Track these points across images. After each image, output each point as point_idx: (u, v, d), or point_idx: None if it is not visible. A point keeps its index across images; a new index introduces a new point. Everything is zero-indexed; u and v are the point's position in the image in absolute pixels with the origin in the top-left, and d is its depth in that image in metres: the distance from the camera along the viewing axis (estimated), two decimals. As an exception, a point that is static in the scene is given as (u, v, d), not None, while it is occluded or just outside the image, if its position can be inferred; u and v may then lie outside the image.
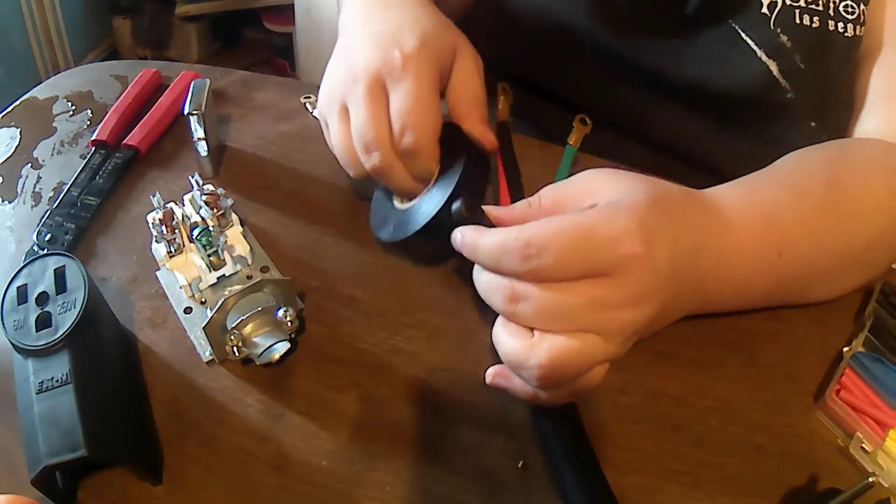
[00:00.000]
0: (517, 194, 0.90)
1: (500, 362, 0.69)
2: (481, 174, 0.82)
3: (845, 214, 0.80)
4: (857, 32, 0.92)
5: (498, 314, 0.69)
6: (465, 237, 0.69)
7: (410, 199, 0.84)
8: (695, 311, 0.77)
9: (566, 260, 0.63)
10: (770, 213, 0.77)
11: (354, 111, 0.81)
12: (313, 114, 1.07)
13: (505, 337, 0.67)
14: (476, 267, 0.70)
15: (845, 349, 0.81)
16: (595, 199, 0.69)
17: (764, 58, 0.95)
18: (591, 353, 0.64)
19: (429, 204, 0.80)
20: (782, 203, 0.78)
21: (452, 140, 0.82)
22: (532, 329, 0.65)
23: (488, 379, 0.71)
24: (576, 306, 0.63)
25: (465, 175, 0.79)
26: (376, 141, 0.79)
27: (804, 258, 0.79)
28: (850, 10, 0.91)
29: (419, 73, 0.79)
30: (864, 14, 0.91)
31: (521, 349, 0.65)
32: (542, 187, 0.74)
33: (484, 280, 0.68)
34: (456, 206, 0.72)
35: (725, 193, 0.78)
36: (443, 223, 0.76)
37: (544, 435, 0.73)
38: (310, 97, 1.08)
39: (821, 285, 0.83)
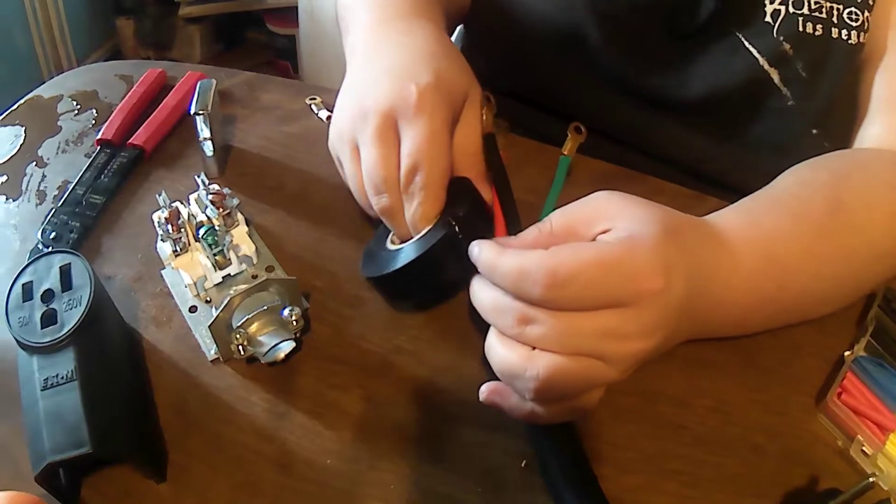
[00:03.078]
0: (508, 208, 0.89)
1: (493, 378, 0.69)
2: (480, 226, 0.77)
3: (849, 240, 0.79)
4: (861, 39, 0.91)
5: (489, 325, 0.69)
6: (483, 253, 0.67)
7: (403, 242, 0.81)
8: (688, 339, 0.76)
9: (589, 293, 0.62)
10: (772, 248, 0.76)
11: (365, 151, 0.78)
12: (318, 115, 1.07)
13: (500, 348, 0.66)
14: (477, 281, 0.69)
15: (847, 353, 0.81)
16: (608, 224, 0.68)
17: (766, 66, 0.95)
18: (592, 375, 0.64)
19: (420, 243, 0.78)
20: (784, 234, 0.77)
21: (454, 190, 0.79)
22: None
23: (482, 396, 0.70)
24: (587, 334, 0.62)
25: (464, 219, 0.75)
26: (385, 183, 0.77)
27: (804, 289, 0.78)
28: (854, 16, 0.90)
29: (433, 111, 0.77)
30: (867, 21, 0.91)
31: (519, 360, 0.64)
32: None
33: (490, 298, 0.67)
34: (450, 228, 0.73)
35: (728, 224, 0.76)
36: (429, 265, 0.76)
37: (540, 450, 0.73)
38: (315, 98, 1.09)
39: (820, 309, 0.82)
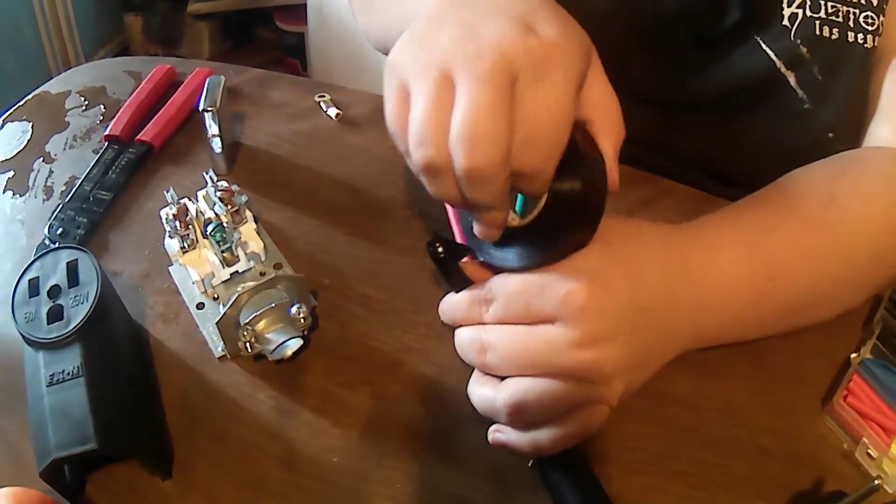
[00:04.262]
0: None
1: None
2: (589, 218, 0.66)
3: (845, 236, 0.79)
4: (876, 43, 0.91)
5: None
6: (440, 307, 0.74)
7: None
8: (692, 346, 0.76)
9: (510, 302, 0.67)
10: (754, 239, 0.76)
11: (469, 91, 0.56)
12: (327, 113, 1.07)
13: (475, 387, 0.70)
14: (458, 330, 0.72)
15: (853, 355, 0.81)
16: None
17: (783, 69, 0.94)
18: (566, 394, 0.64)
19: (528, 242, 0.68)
20: (770, 227, 0.77)
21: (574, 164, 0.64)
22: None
23: (490, 439, 0.71)
24: (535, 350, 0.64)
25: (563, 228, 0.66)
26: (491, 141, 0.56)
27: (802, 284, 0.78)
28: (869, 20, 0.90)
29: (568, 72, 0.59)
30: (882, 25, 0.91)
31: (489, 392, 0.67)
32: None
33: (458, 336, 0.71)
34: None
35: (708, 223, 0.77)
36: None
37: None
38: (324, 96, 1.09)
39: (823, 309, 0.82)
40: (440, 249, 0.72)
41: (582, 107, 0.64)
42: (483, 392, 0.68)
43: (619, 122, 0.66)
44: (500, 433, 0.70)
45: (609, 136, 0.65)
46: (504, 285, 0.68)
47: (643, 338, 0.68)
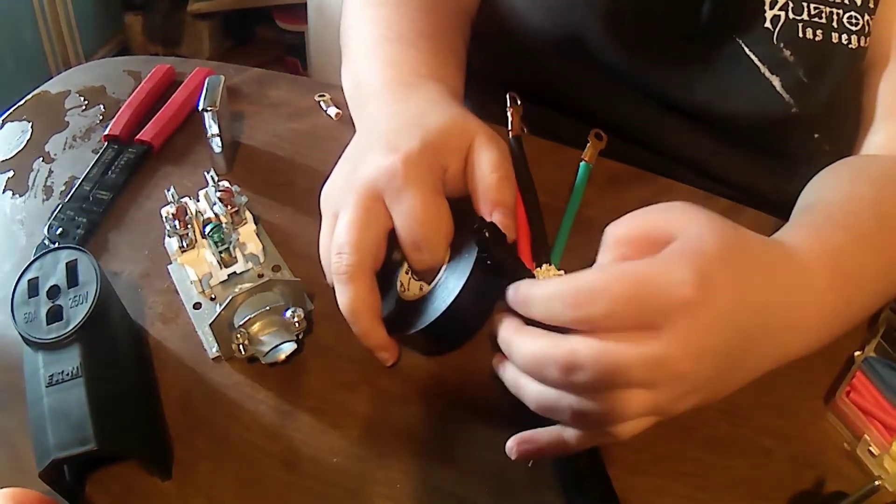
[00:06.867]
0: (534, 213, 0.86)
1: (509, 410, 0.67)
2: (497, 259, 0.69)
3: (892, 255, 0.78)
4: (862, 44, 0.91)
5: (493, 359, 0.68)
6: (518, 290, 0.64)
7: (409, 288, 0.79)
8: (773, 367, 0.70)
9: (618, 308, 0.58)
10: (838, 262, 0.72)
11: (340, 225, 0.74)
12: (327, 112, 1.07)
13: (534, 385, 0.63)
14: (513, 335, 0.64)
15: (857, 353, 0.81)
16: (676, 235, 0.63)
17: (767, 73, 0.94)
18: (635, 405, 0.59)
19: (441, 296, 0.72)
20: (846, 250, 0.74)
21: (464, 216, 0.75)
22: None
23: (513, 454, 0.66)
24: (632, 367, 0.57)
25: (476, 269, 0.70)
26: (352, 247, 0.73)
27: (865, 304, 0.77)
28: (854, 21, 0.90)
29: (420, 180, 0.73)
30: (868, 25, 0.90)
31: (556, 393, 0.61)
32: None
33: (530, 351, 0.62)
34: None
35: (798, 241, 0.72)
36: (454, 317, 0.71)
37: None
38: (324, 95, 1.08)
39: (862, 321, 0.81)
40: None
41: (469, 181, 0.77)
42: (545, 390, 0.62)
43: (500, 189, 0.76)
44: (527, 444, 0.66)
45: (486, 204, 0.75)
46: (609, 288, 0.58)
47: (729, 358, 0.62)
